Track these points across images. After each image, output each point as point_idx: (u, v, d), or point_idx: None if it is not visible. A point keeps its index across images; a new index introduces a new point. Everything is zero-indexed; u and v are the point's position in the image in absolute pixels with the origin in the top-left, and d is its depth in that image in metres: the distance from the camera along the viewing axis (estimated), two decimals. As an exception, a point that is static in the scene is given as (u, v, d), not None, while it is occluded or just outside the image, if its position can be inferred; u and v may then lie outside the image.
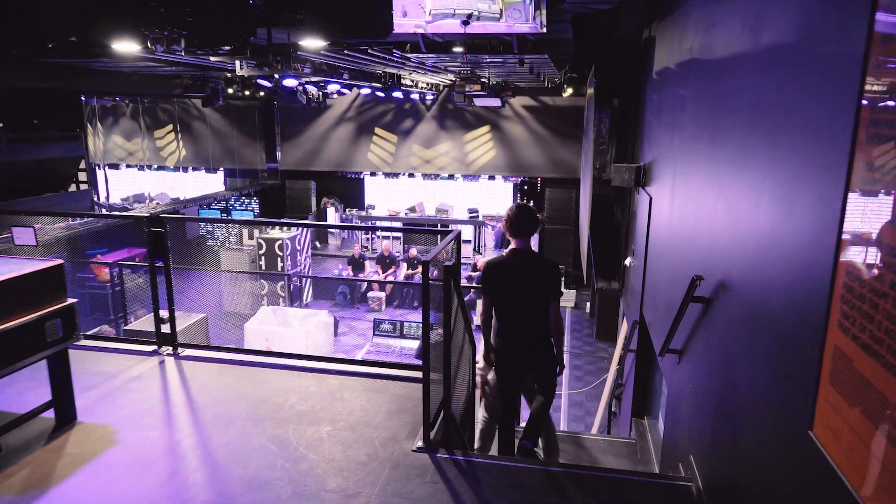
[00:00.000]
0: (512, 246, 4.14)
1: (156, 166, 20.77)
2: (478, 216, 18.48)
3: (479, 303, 4.44)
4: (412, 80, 14.84)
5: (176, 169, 20.70)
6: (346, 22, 6.44)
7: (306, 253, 16.00)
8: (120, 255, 17.32)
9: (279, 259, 14.58)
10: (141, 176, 21.45)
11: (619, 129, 7.71)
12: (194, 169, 20.55)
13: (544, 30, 6.44)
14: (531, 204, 18.89)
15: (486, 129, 18.07)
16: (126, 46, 7.34)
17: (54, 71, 10.64)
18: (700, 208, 3.61)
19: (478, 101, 14.55)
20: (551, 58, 8.93)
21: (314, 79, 10.42)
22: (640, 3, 6.74)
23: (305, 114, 18.67)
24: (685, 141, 4.25)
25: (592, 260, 8.33)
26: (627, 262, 7.13)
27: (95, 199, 16.18)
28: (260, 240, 14.74)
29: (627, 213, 7.74)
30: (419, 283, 3.40)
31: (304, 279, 14.90)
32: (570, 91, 13.27)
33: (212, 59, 8.07)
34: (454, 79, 10.64)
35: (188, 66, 11.26)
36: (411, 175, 19.28)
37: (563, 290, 4.32)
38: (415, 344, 8.60)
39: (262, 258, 14.69)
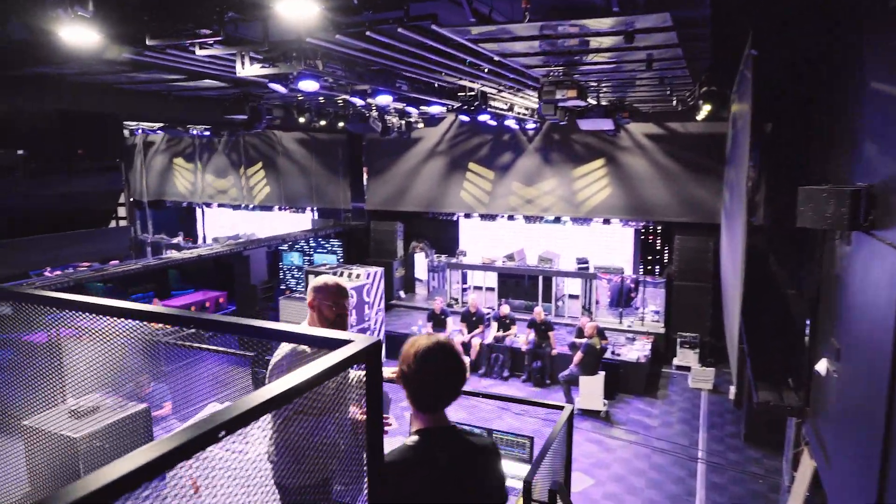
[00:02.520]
0: (419, 425, 2.15)
1: (249, 205, 19.79)
2: (588, 268, 15.27)
3: None
4: (505, 102, 12.27)
5: (264, 208, 19.60)
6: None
7: (379, 306, 13.68)
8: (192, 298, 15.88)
9: (341, 313, 12.33)
10: (238, 215, 20.64)
11: (794, 133, 4.56)
12: (280, 208, 19.31)
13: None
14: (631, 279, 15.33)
15: (599, 162, 14.96)
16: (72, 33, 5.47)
17: (81, 90, 9.25)
18: None
19: (584, 125, 11.65)
20: (682, 44, 5.92)
21: (360, 87, 8.15)
22: None
23: (392, 147, 16.68)
24: None
25: (746, 353, 5.12)
26: (821, 367, 3.93)
27: (136, 236, 15.09)
28: (322, 289, 12.60)
29: (816, 277, 4.48)
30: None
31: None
32: (706, 110, 9.92)
33: (198, 52, 6.00)
34: (543, 86, 7.87)
35: (229, 83, 9.50)
36: (511, 217, 16.52)
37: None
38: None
39: (323, 310, 12.53)
